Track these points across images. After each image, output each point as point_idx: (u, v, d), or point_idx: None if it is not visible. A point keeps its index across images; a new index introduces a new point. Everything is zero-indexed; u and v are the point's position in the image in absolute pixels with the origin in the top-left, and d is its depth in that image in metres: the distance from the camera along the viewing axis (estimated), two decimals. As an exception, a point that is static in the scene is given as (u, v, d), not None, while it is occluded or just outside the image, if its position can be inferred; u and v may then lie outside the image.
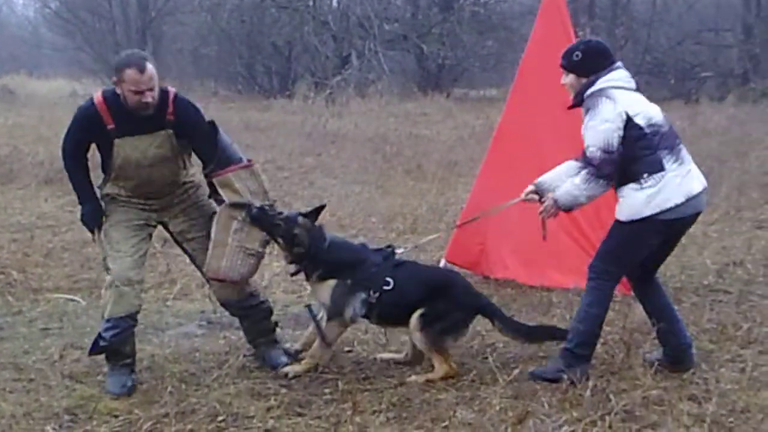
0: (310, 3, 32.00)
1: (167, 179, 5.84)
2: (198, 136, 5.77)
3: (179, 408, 5.20)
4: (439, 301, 5.89)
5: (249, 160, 5.88)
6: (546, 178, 6.01)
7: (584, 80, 5.76)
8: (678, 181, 5.62)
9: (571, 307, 6.34)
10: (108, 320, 5.64)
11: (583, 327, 5.81)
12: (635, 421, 5.05)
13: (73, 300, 7.76)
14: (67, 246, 9.60)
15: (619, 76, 5.75)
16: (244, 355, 6.20)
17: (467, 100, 31.84)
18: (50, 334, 6.81)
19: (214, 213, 5.89)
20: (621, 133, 5.53)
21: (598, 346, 6.08)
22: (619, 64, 5.84)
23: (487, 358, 6.03)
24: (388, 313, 5.93)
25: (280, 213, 5.93)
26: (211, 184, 5.87)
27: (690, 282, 8.21)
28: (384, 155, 16.85)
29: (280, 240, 5.91)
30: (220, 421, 5.09)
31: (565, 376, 5.56)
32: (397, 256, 6.11)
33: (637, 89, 5.82)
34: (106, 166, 5.80)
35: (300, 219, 5.95)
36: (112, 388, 5.56)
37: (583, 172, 5.65)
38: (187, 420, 5.07)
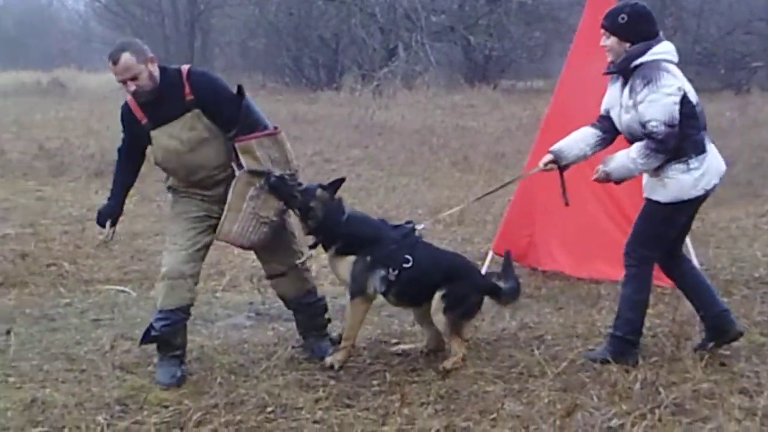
0: (357, -5, 32.05)
1: (212, 162, 5.74)
2: (219, 105, 5.66)
3: (228, 399, 5.24)
4: (459, 283, 5.86)
5: (275, 128, 5.78)
6: (562, 146, 5.94)
7: (627, 45, 5.62)
8: (715, 162, 5.65)
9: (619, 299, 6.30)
10: (160, 311, 5.68)
11: (632, 315, 5.82)
12: (685, 414, 5.00)
13: (123, 291, 7.85)
14: (118, 238, 9.60)
15: (669, 49, 5.63)
16: (293, 347, 6.23)
17: (514, 91, 31.70)
18: (101, 325, 6.89)
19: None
20: (679, 107, 5.45)
21: (648, 338, 6.06)
22: (662, 34, 5.72)
23: (534, 350, 6.01)
24: (406, 292, 5.89)
25: (300, 184, 5.84)
26: (233, 149, 5.74)
27: (741, 274, 8.13)
28: (431, 147, 16.85)
29: (296, 211, 5.86)
30: (269, 412, 5.10)
31: (630, 360, 5.70)
32: (417, 233, 6.04)
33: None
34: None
35: (318, 191, 5.85)
36: (162, 379, 5.60)
37: (640, 145, 5.52)
38: (236, 411, 5.09)
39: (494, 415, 5.00)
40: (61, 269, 8.40)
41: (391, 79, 28.19)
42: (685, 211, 5.72)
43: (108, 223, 5.89)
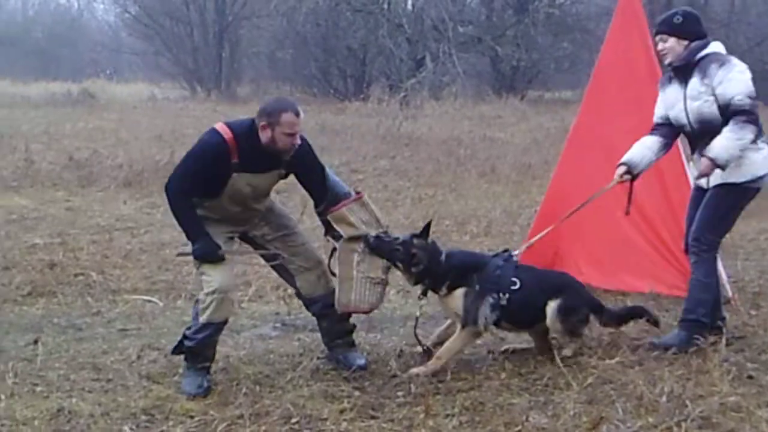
0: (385, 6, 31.98)
1: (260, 209, 5.98)
2: (311, 175, 5.97)
3: (254, 409, 5.24)
4: (570, 295, 6.08)
5: (357, 193, 6.03)
6: (633, 156, 6.28)
7: (685, 43, 6.04)
8: None
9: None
10: (207, 324, 5.66)
11: (707, 296, 6.17)
12: (712, 427, 4.96)
13: (150, 301, 7.87)
14: (145, 248, 9.74)
15: (723, 48, 6.10)
16: (318, 357, 6.23)
17: (542, 102, 31.65)
18: (128, 335, 6.91)
19: (286, 213, 6.17)
20: None
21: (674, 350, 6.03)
22: None
23: (560, 362, 5.98)
24: (519, 315, 6.05)
25: (396, 238, 6.03)
26: (325, 222, 6.01)
27: (769, 286, 8.07)
28: (458, 158, 16.84)
29: (399, 264, 6.02)
30: (294, 423, 5.10)
31: (700, 342, 5.99)
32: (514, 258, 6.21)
33: None
34: (209, 194, 5.80)
35: (415, 240, 6.04)
36: (188, 389, 5.61)
37: (731, 124, 5.88)
38: (262, 421, 5.09)
39: (519, 428, 4.99)
40: (88, 279, 8.44)
41: (418, 89, 28.18)
42: (748, 196, 6.07)
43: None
